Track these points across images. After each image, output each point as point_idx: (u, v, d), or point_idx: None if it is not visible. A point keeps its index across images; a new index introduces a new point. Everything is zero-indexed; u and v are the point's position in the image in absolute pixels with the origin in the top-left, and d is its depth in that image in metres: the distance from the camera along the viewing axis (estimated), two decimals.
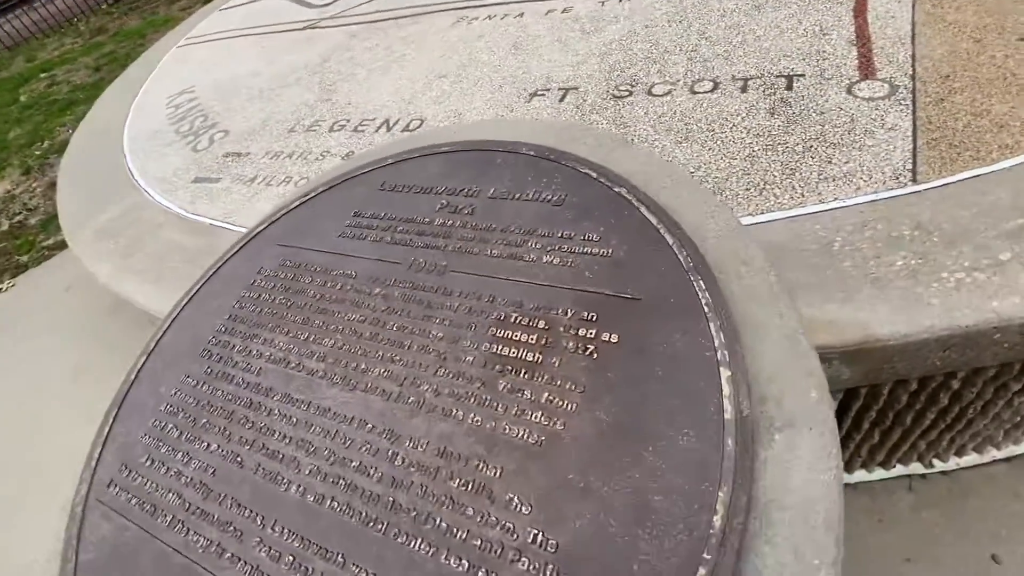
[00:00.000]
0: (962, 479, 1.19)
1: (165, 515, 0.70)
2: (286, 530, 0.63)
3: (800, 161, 1.23)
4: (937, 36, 1.39)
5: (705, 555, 0.48)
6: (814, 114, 1.32)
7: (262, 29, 3.15)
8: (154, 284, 1.64)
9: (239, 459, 0.71)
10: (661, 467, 0.54)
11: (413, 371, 0.71)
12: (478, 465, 0.60)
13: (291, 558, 0.61)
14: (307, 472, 0.67)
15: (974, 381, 1.02)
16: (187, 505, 0.70)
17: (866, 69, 1.38)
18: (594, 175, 0.80)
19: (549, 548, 0.53)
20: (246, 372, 0.80)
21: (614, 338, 0.64)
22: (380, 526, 0.60)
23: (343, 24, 2.82)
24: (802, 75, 1.44)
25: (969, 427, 1.12)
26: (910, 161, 1.14)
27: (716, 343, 0.59)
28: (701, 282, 0.64)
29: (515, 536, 0.54)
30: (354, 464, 0.65)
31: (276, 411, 0.74)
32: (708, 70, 1.58)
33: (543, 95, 1.77)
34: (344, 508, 0.62)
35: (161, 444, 0.77)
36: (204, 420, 0.77)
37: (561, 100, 1.71)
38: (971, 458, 1.21)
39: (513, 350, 0.68)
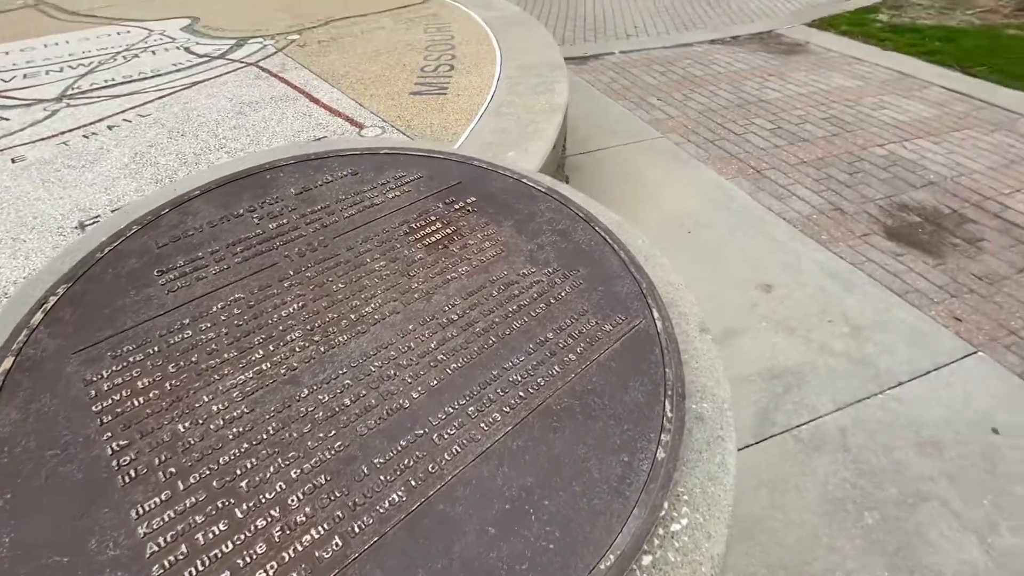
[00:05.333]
0: None
1: None
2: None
3: None
4: (351, 91, 2.26)
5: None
6: None
7: None
8: None
9: (337, 445, 0.65)
10: (549, 227, 1.00)
11: (391, 289, 0.85)
12: (492, 280, 0.88)
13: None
14: (405, 379, 0.72)
15: None
16: None
17: (356, 124, 2.10)
18: (358, 153, 1.10)
19: (556, 270, 0.90)
20: (225, 425, 0.66)
21: (472, 199, 1.03)
22: (488, 342, 0.78)
23: None
24: (329, 135, 2.00)
25: None
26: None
27: (529, 182, 1.09)
28: (477, 164, 1.12)
29: (539, 279, 0.89)
30: (433, 343, 0.77)
31: (318, 396, 0.70)
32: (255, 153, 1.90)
33: (97, 222, 1.59)
34: (464, 361, 0.75)
35: None
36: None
37: None
38: None
39: (434, 237, 0.95)
